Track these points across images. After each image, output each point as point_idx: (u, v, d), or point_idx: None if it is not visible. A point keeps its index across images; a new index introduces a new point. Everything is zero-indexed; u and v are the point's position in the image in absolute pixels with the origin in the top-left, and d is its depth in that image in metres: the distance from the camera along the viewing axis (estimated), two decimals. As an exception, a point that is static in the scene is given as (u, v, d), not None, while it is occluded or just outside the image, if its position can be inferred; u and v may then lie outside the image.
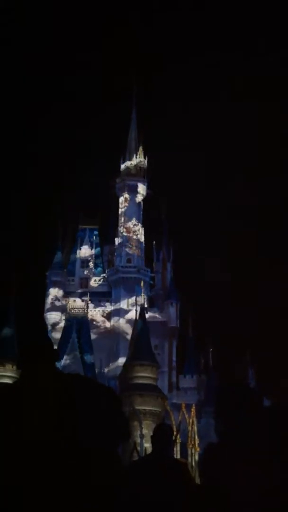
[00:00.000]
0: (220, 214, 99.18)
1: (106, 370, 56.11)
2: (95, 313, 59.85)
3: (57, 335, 53.36)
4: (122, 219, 63.63)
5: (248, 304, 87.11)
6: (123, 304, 59.43)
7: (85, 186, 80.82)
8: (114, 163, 65.80)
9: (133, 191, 64.03)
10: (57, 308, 60.57)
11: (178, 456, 38.09)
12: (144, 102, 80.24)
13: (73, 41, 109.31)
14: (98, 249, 65.13)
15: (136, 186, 63.96)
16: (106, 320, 59.77)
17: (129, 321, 57.99)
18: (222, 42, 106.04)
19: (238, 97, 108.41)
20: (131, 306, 58.88)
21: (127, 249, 61.63)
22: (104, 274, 62.80)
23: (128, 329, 57.33)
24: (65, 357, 51.41)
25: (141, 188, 64.06)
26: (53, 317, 59.80)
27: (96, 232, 66.17)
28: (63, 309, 60.07)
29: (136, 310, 57.96)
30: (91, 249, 64.51)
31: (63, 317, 58.22)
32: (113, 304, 60.38)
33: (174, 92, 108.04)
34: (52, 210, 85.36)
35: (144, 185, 64.22)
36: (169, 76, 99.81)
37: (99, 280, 62.68)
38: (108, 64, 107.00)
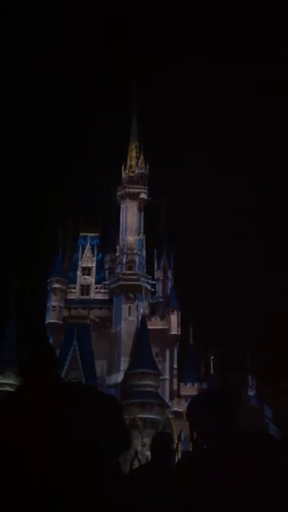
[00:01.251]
0: (221, 221, 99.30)
1: (107, 377, 56.00)
2: (96, 321, 59.76)
3: (58, 342, 53.25)
4: (123, 226, 63.64)
5: (249, 312, 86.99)
6: (124, 312, 59.33)
7: (86, 193, 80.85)
8: (115, 170, 65.90)
9: (134, 198, 64.05)
10: (58, 316, 60.50)
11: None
12: (144, 103, 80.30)
13: (73, 42, 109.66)
14: (99, 256, 65.06)
15: (137, 194, 63.97)
16: (107, 328, 59.66)
17: (130, 329, 57.95)
18: (222, 42, 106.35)
19: (239, 98, 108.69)
20: (132, 314, 58.87)
21: (128, 257, 61.59)
22: (105, 282, 62.75)
23: (129, 337, 57.31)
24: (66, 365, 51.34)
25: (142, 196, 64.08)
26: (54, 324, 59.66)
27: (97, 240, 66.16)
28: (64, 317, 60.06)
29: (137, 318, 58.02)
30: (92, 257, 64.46)
31: (64, 325, 58.19)
32: (114, 311, 60.28)
33: (174, 93, 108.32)
34: (52, 217, 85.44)
35: (145, 192, 64.24)
36: (169, 76, 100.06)
37: (100, 288, 62.61)
38: (108, 65, 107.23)
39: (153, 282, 63.39)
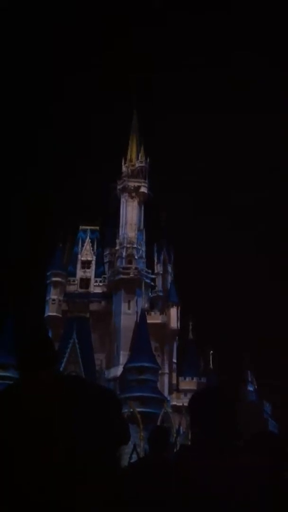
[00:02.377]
0: (221, 215, 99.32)
1: (106, 371, 56.06)
2: (96, 315, 59.78)
3: (57, 336, 53.31)
4: (123, 220, 63.58)
5: (248, 306, 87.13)
6: (124, 306, 59.34)
7: (86, 187, 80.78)
8: (115, 165, 65.80)
9: (134, 192, 63.96)
10: (57, 309, 60.51)
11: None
12: (145, 98, 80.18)
13: (74, 42, 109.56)
14: (99, 250, 65.06)
15: (137, 188, 63.88)
16: (106, 322, 59.69)
17: (129, 323, 57.96)
18: (222, 45, 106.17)
19: (238, 97, 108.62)
20: (131, 308, 58.88)
21: (127, 251, 61.55)
22: (105, 276, 62.76)
23: (129, 331, 57.32)
24: (65, 358, 51.40)
25: (142, 190, 63.99)
26: (53, 318, 59.70)
27: (97, 233, 66.15)
28: (63, 310, 60.07)
29: (136, 312, 58.02)
30: (92, 250, 64.45)
31: (63, 318, 58.22)
32: (113, 305, 60.30)
33: (175, 88, 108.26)
34: (53, 211, 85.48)
35: (145, 186, 64.15)
36: (170, 72, 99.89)
37: (100, 282, 62.62)
38: (109, 65, 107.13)
39: (153, 276, 63.40)
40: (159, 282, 64.36)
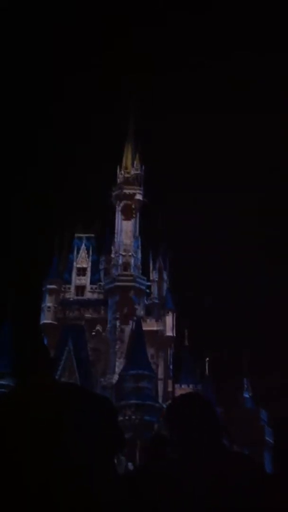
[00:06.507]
0: (217, 223, 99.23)
1: (102, 379, 55.95)
2: (91, 322, 59.71)
3: (53, 344, 53.24)
4: (119, 227, 63.66)
5: (245, 313, 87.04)
6: (119, 313, 59.33)
7: (82, 194, 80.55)
8: (111, 172, 65.83)
9: (130, 199, 64.05)
10: (53, 317, 60.45)
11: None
12: (141, 103, 79.99)
13: (74, 42, 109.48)
14: (95, 257, 65.08)
15: (133, 195, 63.99)
16: (102, 329, 59.65)
17: (125, 330, 57.96)
18: (222, 45, 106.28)
19: (238, 99, 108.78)
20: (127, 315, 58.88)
21: (123, 258, 61.59)
22: (101, 283, 62.73)
23: (125, 338, 57.31)
24: (61, 366, 51.30)
25: (138, 197, 64.10)
26: (49, 325, 59.62)
27: (92, 241, 66.17)
28: (59, 318, 60.01)
29: (132, 319, 58.06)
30: (88, 258, 64.46)
31: (59, 326, 58.15)
32: (109, 312, 60.28)
33: (172, 93, 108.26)
34: (48, 218, 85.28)
35: (140, 194, 64.26)
36: (167, 77, 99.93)
37: (95, 289, 62.60)
38: (109, 65, 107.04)
39: (149, 283, 63.42)
40: (154, 289, 64.39)
